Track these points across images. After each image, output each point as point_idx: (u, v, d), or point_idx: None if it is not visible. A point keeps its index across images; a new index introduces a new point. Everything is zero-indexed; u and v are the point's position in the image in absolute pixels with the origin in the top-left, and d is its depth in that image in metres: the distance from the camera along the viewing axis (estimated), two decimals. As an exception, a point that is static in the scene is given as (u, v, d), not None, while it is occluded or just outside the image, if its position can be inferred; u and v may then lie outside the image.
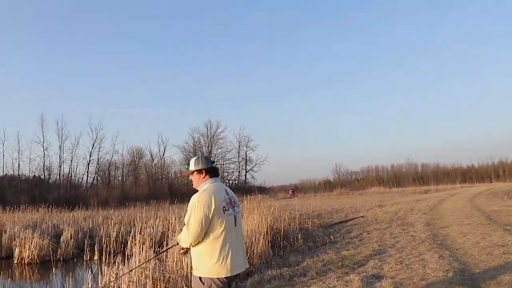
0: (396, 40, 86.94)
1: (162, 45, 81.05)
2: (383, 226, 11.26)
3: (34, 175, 44.29)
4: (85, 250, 12.16)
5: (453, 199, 20.20)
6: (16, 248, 12.21)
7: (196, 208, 2.87)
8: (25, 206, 22.31)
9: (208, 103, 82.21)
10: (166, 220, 13.49)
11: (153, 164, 54.26)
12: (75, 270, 11.45)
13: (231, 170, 60.39)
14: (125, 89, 77.38)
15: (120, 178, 52.43)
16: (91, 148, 46.71)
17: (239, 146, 60.71)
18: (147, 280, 5.40)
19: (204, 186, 3.08)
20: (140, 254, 6.18)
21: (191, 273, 3.84)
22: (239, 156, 60.50)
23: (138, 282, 5.40)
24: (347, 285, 5.01)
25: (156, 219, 14.84)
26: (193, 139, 57.54)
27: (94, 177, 48.16)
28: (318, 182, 79.27)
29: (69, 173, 45.39)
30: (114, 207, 25.64)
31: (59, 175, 44.76)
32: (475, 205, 15.43)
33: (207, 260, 2.87)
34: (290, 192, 55.07)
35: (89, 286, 5.53)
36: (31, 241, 12.17)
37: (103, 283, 5.45)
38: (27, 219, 17.39)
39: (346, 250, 7.78)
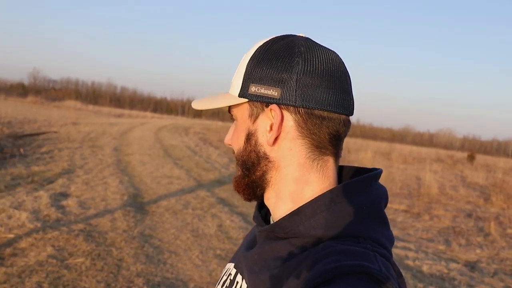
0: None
1: None
2: (74, 146, 11.93)
3: None
4: None
5: (142, 128, 22.42)
6: None
7: None
8: None
9: None
10: None
11: None
12: None
13: None
14: None
15: None
16: None
17: None
18: None
19: None
20: None
21: None
22: None
23: None
24: (36, 201, 5.64)
25: None
26: None
27: None
28: (10, 84, 70.26)
29: None
30: None
31: None
32: (158, 138, 17.86)
33: None
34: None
35: None
36: None
37: None
38: None
39: (37, 166, 8.20)
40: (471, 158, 25.94)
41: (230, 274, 0.80)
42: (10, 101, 39.60)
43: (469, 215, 8.78)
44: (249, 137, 0.74)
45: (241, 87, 0.73)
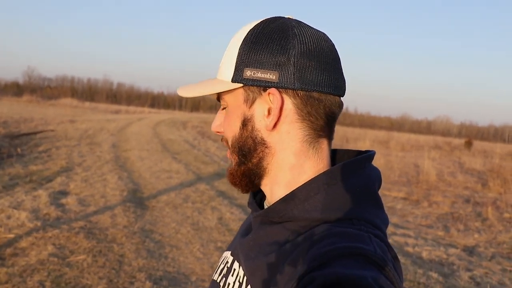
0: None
1: None
2: (72, 143, 11.92)
3: None
4: None
5: (139, 123, 22.39)
6: None
7: None
8: None
9: None
10: None
11: None
12: None
13: None
14: None
15: None
16: None
17: None
18: None
19: None
20: None
21: None
22: None
23: None
24: (35, 200, 5.65)
25: None
26: None
27: None
28: (4, 83, 70.03)
29: None
30: None
31: None
32: (156, 132, 17.85)
33: None
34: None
35: None
36: None
37: None
38: None
39: (35, 165, 8.20)
40: (468, 144, 26.00)
41: (227, 262, 0.81)
42: (5, 101, 39.52)
43: (467, 201, 8.82)
44: (245, 122, 0.72)
45: (234, 71, 0.71)
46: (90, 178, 7.44)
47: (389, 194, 8.80)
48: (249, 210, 0.83)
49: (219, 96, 0.77)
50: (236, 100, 0.73)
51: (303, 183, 0.70)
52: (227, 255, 0.83)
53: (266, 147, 0.72)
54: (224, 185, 7.91)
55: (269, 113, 0.70)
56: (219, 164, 10.58)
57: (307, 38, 0.69)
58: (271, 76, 0.69)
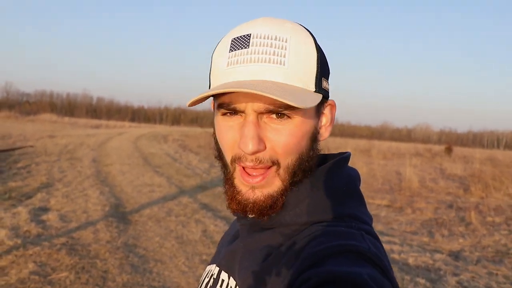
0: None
1: None
2: (52, 159, 11.69)
3: None
4: None
5: (120, 138, 22.14)
6: None
7: None
8: None
9: None
10: None
11: None
12: None
13: None
14: None
15: None
16: None
17: None
18: None
19: None
20: None
21: None
22: None
23: None
24: (14, 217, 5.49)
25: None
26: None
27: None
28: (-18, 100, 68.93)
29: None
30: None
31: None
32: (137, 146, 17.67)
33: None
34: None
35: None
36: None
37: None
38: None
39: (14, 182, 8.00)
40: (448, 150, 26.46)
41: (212, 274, 0.78)
42: (-18, 118, 38.67)
43: (450, 206, 8.92)
44: (315, 136, 0.68)
45: (316, 81, 0.66)
46: (71, 194, 7.28)
47: (372, 202, 8.84)
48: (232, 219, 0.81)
49: (287, 106, 0.62)
50: (311, 113, 0.66)
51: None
52: (212, 268, 0.80)
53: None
54: (207, 197, 7.84)
55: (323, 124, 0.71)
56: (202, 176, 10.51)
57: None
58: (328, 86, 0.69)
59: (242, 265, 0.70)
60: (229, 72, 0.64)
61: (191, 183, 9.40)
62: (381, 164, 17.02)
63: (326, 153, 0.77)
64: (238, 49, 0.64)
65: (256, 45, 0.63)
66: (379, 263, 0.59)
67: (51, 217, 5.63)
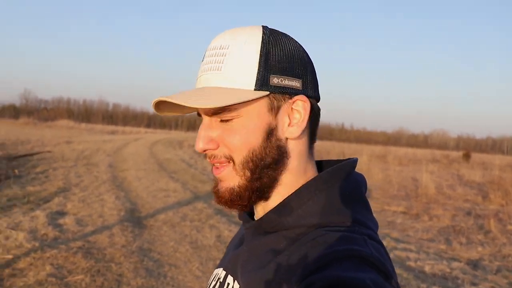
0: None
1: None
2: (69, 164, 11.86)
3: None
4: None
5: (136, 144, 22.37)
6: None
7: None
8: None
9: None
10: None
11: None
12: None
13: None
14: None
15: None
16: None
17: None
18: None
19: None
20: None
21: None
22: None
23: None
24: (33, 221, 5.58)
25: None
26: None
27: None
28: (2, 106, 70.40)
29: None
30: None
31: None
32: (153, 152, 17.82)
33: None
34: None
35: None
36: None
37: None
38: None
39: (32, 186, 8.13)
40: (466, 156, 26.07)
41: (219, 278, 0.78)
42: (2, 123, 39.56)
43: (468, 213, 8.78)
44: (271, 133, 0.69)
45: (257, 79, 0.67)
46: (88, 198, 7.37)
47: (388, 209, 8.75)
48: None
49: (221, 108, 0.67)
50: (257, 110, 0.68)
51: (299, 186, 0.70)
52: (219, 272, 0.80)
53: (286, 157, 0.71)
54: (223, 202, 7.84)
55: (290, 121, 0.69)
56: (217, 181, 10.51)
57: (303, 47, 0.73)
58: (297, 83, 0.68)
59: (246, 269, 0.70)
60: (195, 83, 0.73)
61: (206, 188, 9.43)
62: (397, 170, 16.84)
63: (342, 158, 0.78)
64: (200, 62, 0.72)
65: (207, 57, 0.70)
66: (382, 268, 0.59)
67: (68, 221, 5.71)
